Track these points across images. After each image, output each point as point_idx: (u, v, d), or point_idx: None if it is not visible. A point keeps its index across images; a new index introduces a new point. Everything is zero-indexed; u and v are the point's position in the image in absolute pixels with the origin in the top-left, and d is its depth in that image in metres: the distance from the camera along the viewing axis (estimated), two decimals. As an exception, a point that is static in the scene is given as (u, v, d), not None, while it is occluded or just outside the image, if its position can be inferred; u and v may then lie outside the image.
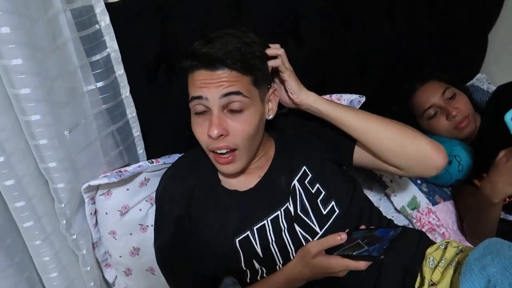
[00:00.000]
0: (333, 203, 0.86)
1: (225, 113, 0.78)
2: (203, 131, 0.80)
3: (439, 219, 1.19)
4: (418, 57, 1.45)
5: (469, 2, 1.48)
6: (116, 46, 0.84)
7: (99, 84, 0.84)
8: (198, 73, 0.77)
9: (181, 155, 1.00)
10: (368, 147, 0.89)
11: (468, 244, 1.10)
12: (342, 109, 0.88)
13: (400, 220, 1.25)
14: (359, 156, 0.92)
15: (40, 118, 0.73)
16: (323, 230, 0.84)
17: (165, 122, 1.02)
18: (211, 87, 0.76)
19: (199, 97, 0.77)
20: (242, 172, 0.89)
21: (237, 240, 0.84)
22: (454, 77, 1.31)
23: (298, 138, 0.94)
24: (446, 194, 1.29)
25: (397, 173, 0.94)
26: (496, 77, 1.64)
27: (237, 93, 0.77)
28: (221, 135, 0.78)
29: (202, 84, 0.76)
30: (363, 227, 0.80)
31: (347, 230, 0.77)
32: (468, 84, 1.65)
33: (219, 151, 0.81)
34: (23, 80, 0.69)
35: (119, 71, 0.87)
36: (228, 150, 0.81)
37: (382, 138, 0.86)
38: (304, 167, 0.89)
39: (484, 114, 1.30)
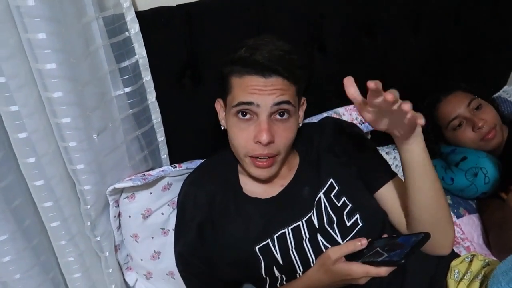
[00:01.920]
0: (357, 215, 0.86)
1: (272, 119, 0.79)
2: (248, 137, 0.80)
3: (463, 232, 1.16)
4: (443, 69, 1.43)
5: (497, 12, 1.46)
6: (144, 53, 0.86)
7: (127, 90, 0.87)
8: (249, 79, 0.77)
9: (203, 160, 1.01)
10: (409, 198, 0.82)
11: (494, 258, 1.06)
12: (429, 167, 0.80)
13: (423, 233, 1.22)
14: (382, 196, 0.91)
15: (71, 121, 0.76)
16: (345, 242, 0.84)
17: (189, 128, 1.04)
18: (264, 94, 0.76)
19: (250, 103, 0.77)
20: (265, 181, 0.90)
21: (257, 247, 0.84)
22: (480, 88, 1.28)
23: (329, 149, 0.93)
24: (471, 207, 1.25)
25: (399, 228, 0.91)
26: (524, 89, 1.60)
27: (288, 102, 0.78)
28: (270, 141, 0.78)
29: (254, 90, 0.76)
30: (385, 235, 0.79)
31: (369, 239, 0.76)
32: (494, 96, 1.61)
33: (261, 157, 0.81)
34: (56, 84, 0.72)
35: (146, 77, 0.89)
36: (269, 156, 0.81)
37: (427, 211, 0.81)
38: (331, 180, 0.89)
39: (511, 126, 1.27)
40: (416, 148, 0.75)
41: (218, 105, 0.89)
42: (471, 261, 0.87)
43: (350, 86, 0.69)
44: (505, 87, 1.67)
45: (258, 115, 0.78)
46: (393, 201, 0.90)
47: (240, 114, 0.79)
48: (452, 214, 1.17)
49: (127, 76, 0.86)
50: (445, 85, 1.31)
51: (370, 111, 0.72)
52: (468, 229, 1.17)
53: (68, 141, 0.78)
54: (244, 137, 0.80)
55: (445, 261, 0.89)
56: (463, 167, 1.21)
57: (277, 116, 0.79)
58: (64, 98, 0.74)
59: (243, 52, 0.78)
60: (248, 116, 0.79)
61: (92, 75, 0.79)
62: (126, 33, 0.83)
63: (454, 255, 0.92)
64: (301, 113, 0.89)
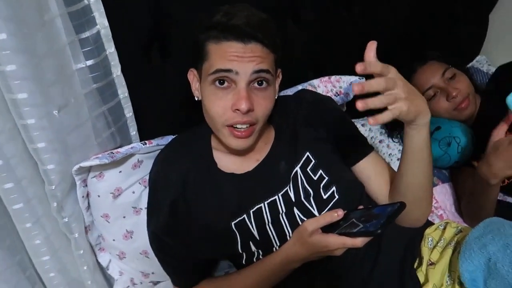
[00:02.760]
0: (334, 188, 0.85)
1: (250, 88, 0.76)
2: (225, 105, 0.76)
3: (437, 201, 1.18)
4: (418, 38, 1.42)
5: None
6: (106, 23, 0.81)
7: (89, 63, 0.82)
8: (228, 45, 0.73)
9: (174, 136, 0.98)
10: (400, 177, 0.83)
11: (467, 226, 1.08)
12: (426, 156, 0.79)
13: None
14: (358, 170, 0.92)
15: (28, 96, 0.71)
16: (320, 215, 0.83)
17: (159, 103, 0.99)
18: (244, 61, 0.73)
19: (228, 70, 0.74)
20: (240, 155, 0.87)
21: (233, 223, 0.83)
22: (454, 58, 1.28)
23: (306, 122, 0.92)
24: (444, 176, 1.27)
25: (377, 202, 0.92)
26: (496, 59, 1.61)
27: (267, 71, 0.76)
28: (249, 109, 0.75)
29: (233, 57, 0.73)
30: (361, 207, 0.78)
31: (345, 211, 0.75)
32: (468, 66, 1.62)
33: (239, 126, 0.78)
34: (8, 56, 0.67)
35: (110, 49, 0.84)
36: (248, 125, 0.78)
37: (413, 191, 0.82)
38: (308, 154, 0.87)
39: (484, 96, 1.28)
40: (416, 135, 0.75)
41: (191, 75, 0.85)
42: (444, 228, 0.88)
43: (370, 51, 0.66)
44: (478, 57, 1.68)
45: (237, 83, 0.75)
46: (372, 174, 0.90)
47: (217, 82, 0.76)
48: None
49: (89, 48, 0.80)
50: (420, 54, 1.30)
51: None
52: (441, 197, 1.19)
53: (26, 118, 0.73)
54: (222, 105, 0.77)
55: (419, 229, 0.90)
56: (436, 136, 1.22)
57: (256, 85, 0.76)
58: (19, 72, 0.68)
59: (220, 17, 0.74)
60: (226, 84, 0.76)
61: (49, 47, 0.73)
62: (85, 1, 0.77)
63: (428, 223, 0.93)
64: (277, 85, 0.86)
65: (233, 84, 0.75)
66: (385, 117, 0.65)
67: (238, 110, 0.75)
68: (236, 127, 0.78)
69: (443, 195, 1.20)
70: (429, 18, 1.43)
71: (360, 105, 0.62)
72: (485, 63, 1.64)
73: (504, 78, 1.26)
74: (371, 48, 0.65)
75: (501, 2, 1.58)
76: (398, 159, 1.26)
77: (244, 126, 0.78)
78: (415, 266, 0.84)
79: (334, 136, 0.92)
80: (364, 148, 0.92)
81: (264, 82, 0.77)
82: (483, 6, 1.58)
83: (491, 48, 1.66)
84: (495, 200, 1.00)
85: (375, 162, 0.91)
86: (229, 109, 0.76)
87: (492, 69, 1.58)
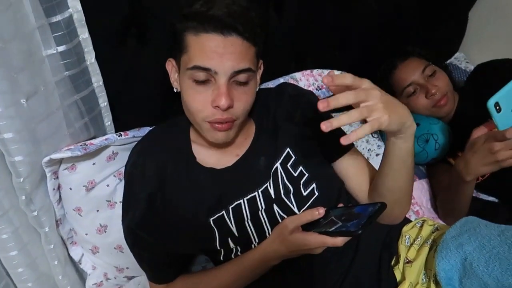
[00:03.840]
0: (314, 185, 0.84)
1: (231, 83, 0.74)
2: (205, 101, 0.74)
3: (414, 197, 1.19)
4: (400, 32, 1.42)
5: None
6: (79, 7, 0.76)
7: (60, 49, 0.77)
8: (207, 37, 0.70)
9: (152, 128, 0.94)
10: (380, 179, 0.82)
11: (442, 222, 1.11)
12: (409, 164, 0.78)
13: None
14: (338, 167, 0.90)
15: (-8, 83, 0.66)
16: (301, 212, 0.82)
17: (135, 92, 0.96)
18: (224, 59, 0.70)
19: (207, 69, 0.71)
20: (220, 148, 0.85)
21: (211, 219, 0.81)
22: (434, 54, 1.29)
23: (287, 117, 0.90)
24: (421, 172, 1.29)
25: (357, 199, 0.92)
26: (474, 56, 1.64)
27: (248, 69, 0.73)
28: (229, 106, 0.73)
29: (213, 54, 0.70)
30: (341, 205, 0.78)
31: (325, 209, 0.75)
32: (446, 62, 1.64)
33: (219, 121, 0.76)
34: (-30, 40, 0.62)
35: (83, 34, 0.79)
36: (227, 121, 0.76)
37: (393, 193, 0.81)
38: (288, 149, 0.86)
39: (462, 93, 1.29)
40: (402, 145, 0.72)
41: (170, 65, 0.81)
42: (421, 226, 0.89)
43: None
44: (457, 54, 1.70)
45: (217, 80, 0.72)
46: (352, 171, 0.89)
47: (196, 77, 0.73)
48: (403, 179, 1.20)
49: (60, 33, 0.76)
50: (400, 50, 1.30)
51: None
52: (417, 193, 1.20)
53: (-9, 107, 0.68)
54: (201, 100, 0.74)
55: (396, 227, 0.90)
56: (415, 133, 1.22)
57: (237, 80, 0.74)
58: (-18, 57, 0.64)
59: (199, 6, 0.70)
60: (204, 79, 0.73)
61: (16, 30, 0.68)
62: (56, -19, 0.73)
63: (405, 220, 0.93)
64: (258, 77, 0.84)
65: (213, 79, 0.73)
66: (363, 131, 0.61)
67: (217, 106, 0.73)
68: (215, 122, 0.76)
69: (419, 191, 1.21)
70: (410, 13, 1.43)
71: (323, 126, 0.58)
72: (463, 60, 1.66)
73: (482, 76, 1.27)
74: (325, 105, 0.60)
75: (480, 0, 1.59)
76: (377, 155, 1.26)
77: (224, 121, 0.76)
78: (392, 264, 0.84)
79: (315, 132, 0.91)
80: (344, 145, 0.91)
81: (245, 78, 0.74)
82: (462, 3, 1.60)
83: (469, 45, 1.68)
84: (470, 197, 1.02)
85: (355, 159, 0.91)
86: (208, 105, 0.74)
87: (470, 67, 1.60)
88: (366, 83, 0.63)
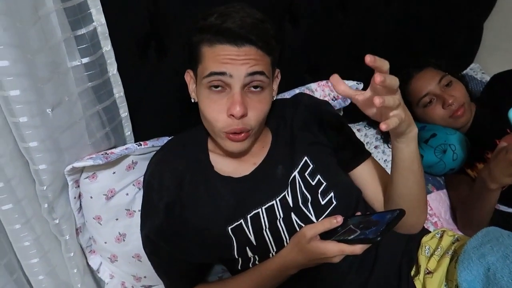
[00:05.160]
0: (332, 194, 0.84)
1: (245, 91, 0.75)
2: (220, 109, 0.75)
3: (431, 208, 1.18)
4: (415, 44, 1.42)
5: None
6: (103, 20, 0.79)
7: (85, 60, 0.79)
8: (221, 48, 0.72)
9: (170, 138, 0.96)
10: (392, 187, 0.82)
11: (461, 233, 1.09)
12: (416, 168, 0.78)
13: (392, 209, 1.23)
14: (355, 176, 0.91)
15: (20, 93, 0.68)
16: (319, 221, 0.82)
17: (155, 103, 0.97)
18: (237, 64, 0.72)
19: (222, 73, 0.72)
20: (237, 158, 0.86)
21: (229, 228, 0.81)
22: (450, 65, 1.29)
23: (304, 126, 0.91)
24: (438, 183, 1.28)
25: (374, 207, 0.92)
26: (490, 67, 1.63)
27: (262, 73, 0.74)
28: (243, 114, 0.74)
29: (226, 60, 0.72)
30: (359, 213, 0.77)
31: (343, 217, 0.75)
32: (462, 73, 1.63)
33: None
34: (1, 52, 0.64)
35: (106, 47, 0.82)
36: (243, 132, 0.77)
37: (406, 200, 0.81)
38: (306, 158, 0.86)
39: (479, 104, 1.28)
40: (405, 148, 0.73)
41: (188, 76, 0.84)
42: (441, 237, 0.88)
43: (339, 84, 0.65)
44: (472, 65, 1.69)
45: (231, 87, 0.74)
46: (368, 180, 0.90)
47: (212, 87, 0.74)
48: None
49: (85, 46, 0.78)
50: (416, 61, 1.30)
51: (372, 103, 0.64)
52: (435, 205, 1.19)
53: (18, 116, 0.70)
54: (217, 109, 0.76)
55: (416, 237, 0.89)
56: (432, 144, 1.22)
57: (251, 88, 0.75)
58: (11, 68, 0.66)
59: (214, 19, 0.72)
60: (220, 88, 0.74)
61: (44, 42, 0.71)
62: (82, -4, 0.75)
63: (424, 231, 0.92)
64: (275, 86, 0.85)
65: (228, 88, 0.74)
66: (393, 121, 0.63)
67: (232, 115, 0.74)
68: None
69: (437, 202, 1.20)
70: (425, 24, 1.43)
71: (383, 126, 0.61)
72: (479, 71, 1.65)
73: (499, 87, 1.26)
74: (337, 81, 0.66)
75: (496, 11, 1.59)
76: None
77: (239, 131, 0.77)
78: (412, 275, 0.83)
79: (332, 141, 0.91)
80: (361, 153, 0.92)
81: (259, 87, 0.76)
82: (477, 14, 1.60)
83: (485, 56, 1.67)
84: (493, 206, 1.01)
85: (372, 168, 0.91)
86: (224, 114, 0.75)
87: (486, 77, 1.59)
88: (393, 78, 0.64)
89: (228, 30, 0.71)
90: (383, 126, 0.62)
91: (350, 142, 0.93)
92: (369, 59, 0.59)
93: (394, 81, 0.62)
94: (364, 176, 0.91)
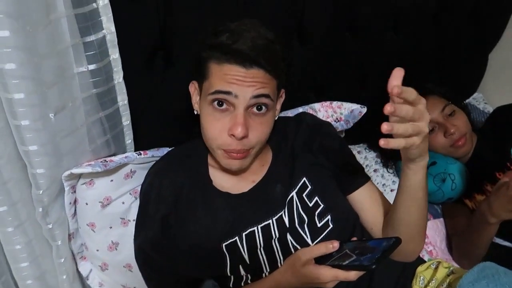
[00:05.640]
0: (328, 217, 0.83)
1: (249, 112, 0.75)
2: (222, 128, 0.75)
3: (427, 237, 1.17)
4: (419, 70, 1.43)
5: (474, 20, 1.47)
6: (113, 28, 0.79)
7: (91, 67, 0.79)
8: (229, 68, 0.72)
9: (171, 149, 0.95)
10: (393, 212, 0.81)
11: (455, 265, 1.08)
12: (421, 196, 0.77)
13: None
14: (354, 200, 0.90)
15: (24, 97, 0.68)
16: (314, 243, 0.81)
17: (157, 113, 0.97)
18: (244, 85, 0.72)
19: (228, 93, 0.72)
20: (236, 174, 0.86)
21: (223, 244, 0.80)
22: (454, 94, 1.29)
23: (305, 146, 0.90)
24: (436, 211, 1.27)
25: (373, 236, 0.90)
26: (493, 97, 1.64)
27: (267, 96, 0.74)
28: (244, 136, 0.74)
29: (233, 80, 0.71)
30: (355, 239, 0.77)
31: (339, 242, 0.74)
32: (464, 102, 1.64)
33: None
34: (8, 54, 0.64)
35: (114, 55, 0.82)
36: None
37: (406, 227, 0.80)
38: (304, 179, 0.86)
39: (480, 135, 1.28)
40: (412, 176, 0.72)
41: (193, 87, 0.83)
42: (436, 268, 0.87)
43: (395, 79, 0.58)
44: (475, 94, 1.70)
45: (235, 107, 0.73)
46: (367, 204, 0.89)
47: (216, 103, 0.74)
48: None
49: (92, 52, 0.78)
50: (421, 87, 1.30)
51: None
52: (431, 233, 1.18)
53: (21, 119, 0.70)
54: (218, 127, 0.75)
55: (410, 266, 0.88)
56: (432, 172, 1.21)
57: (254, 110, 0.75)
58: (18, 71, 0.65)
59: (225, 38, 0.72)
60: (224, 106, 0.74)
61: (52, 47, 0.71)
62: (94, 4, 0.75)
63: (419, 260, 0.92)
64: (279, 106, 0.85)
65: (232, 108, 0.74)
66: (397, 143, 0.60)
67: (233, 135, 0.74)
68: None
69: (433, 231, 1.19)
70: (431, 53, 1.44)
71: (388, 108, 0.56)
72: (482, 101, 1.66)
73: (502, 119, 1.26)
74: (397, 76, 0.58)
75: (501, 42, 1.60)
76: (391, 190, 1.25)
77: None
78: (405, 305, 0.82)
79: (332, 163, 0.91)
80: (361, 177, 0.91)
81: (263, 107, 0.75)
82: (484, 45, 1.61)
83: (488, 86, 1.68)
84: (490, 239, 1.00)
85: (371, 192, 0.90)
86: (224, 133, 0.75)
87: (489, 108, 1.60)
88: (422, 104, 0.61)
89: (238, 52, 0.71)
90: (381, 142, 0.58)
91: (350, 165, 0.93)
92: (388, 108, 0.56)
93: (409, 94, 0.58)
94: (362, 200, 0.90)
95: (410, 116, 0.60)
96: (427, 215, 0.83)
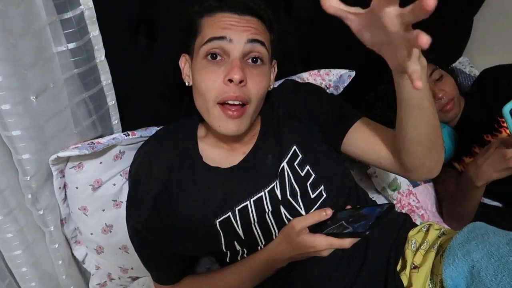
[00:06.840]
0: (322, 186, 0.83)
1: (245, 62, 0.73)
2: (217, 77, 0.73)
3: (419, 201, 1.19)
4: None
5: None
6: (91, 4, 0.75)
7: (71, 46, 0.76)
8: (221, 15, 0.71)
9: (159, 128, 0.94)
10: (401, 133, 0.73)
11: (446, 226, 1.11)
12: (426, 104, 0.68)
13: (380, 201, 1.24)
14: (350, 143, 0.86)
15: (2, 80, 0.65)
16: (308, 213, 0.81)
17: (143, 91, 0.94)
18: (238, 29, 0.70)
19: (222, 38, 0.70)
20: (227, 145, 0.84)
21: (217, 221, 0.80)
22: (441, 58, 1.29)
23: (290, 113, 0.89)
24: (425, 176, 1.29)
25: (387, 169, 0.85)
26: (479, 61, 1.64)
27: (262, 43, 0.73)
28: (242, 81, 0.71)
29: (227, 25, 0.70)
30: (348, 207, 0.77)
31: (333, 210, 0.74)
32: (450, 66, 1.64)
33: (230, 102, 0.74)
34: (-19, 36, 0.61)
35: (94, 32, 0.78)
36: (240, 103, 0.75)
37: (421, 145, 0.73)
38: (295, 147, 0.85)
39: (468, 98, 1.29)
40: (405, 85, 0.63)
41: (183, 60, 0.82)
42: (427, 230, 0.89)
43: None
44: (461, 58, 1.70)
45: (230, 55, 0.72)
46: (365, 141, 0.84)
47: (209, 56, 0.73)
48: (408, 183, 1.20)
49: (71, 30, 0.75)
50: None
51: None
52: (422, 197, 1.20)
53: (1, 104, 0.67)
54: (213, 77, 0.73)
55: (403, 231, 0.90)
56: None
57: (250, 62, 0.74)
58: (-8, 53, 0.63)
59: None
60: (218, 58, 0.73)
61: (27, 26, 0.68)
62: (68, -21, 0.71)
63: (411, 225, 0.93)
64: (272, 76, 0.83)
65: (226, 57, 0.72)
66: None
67: (230, 80, 0.71)
68: (227, 103, 0.75)
69: (424, 195, 1.21)
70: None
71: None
72: (468, 64, 1.66)
73: (488, 82, 1.27)
74: None
75: (486, 5, 1.59)
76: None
77: (236, 103, 0.75)
78: (398, 269, 0.84)
79: (317, 122, 0.88)
80: (349, 117, 0.85)
81: (258, 60, 0.74)
82: (468, 8, 1.59)
83: (474, 49, 1.68)
84: (478, 201, 1.03)
85: (364, 128, 0.84)
86: (220, 82, 0.73)
87: (475, 71, 1.60)
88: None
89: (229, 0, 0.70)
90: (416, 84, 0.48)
91: (336, 111, 0.88)
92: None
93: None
94: (359, 139, 0.84)
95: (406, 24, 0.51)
96: (440, 125, 0.74)
